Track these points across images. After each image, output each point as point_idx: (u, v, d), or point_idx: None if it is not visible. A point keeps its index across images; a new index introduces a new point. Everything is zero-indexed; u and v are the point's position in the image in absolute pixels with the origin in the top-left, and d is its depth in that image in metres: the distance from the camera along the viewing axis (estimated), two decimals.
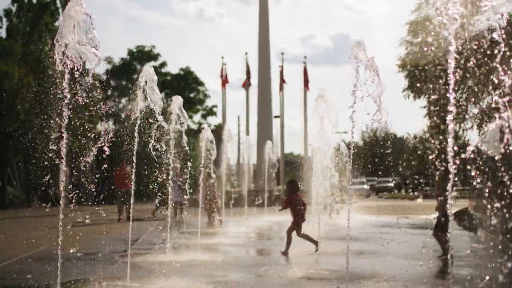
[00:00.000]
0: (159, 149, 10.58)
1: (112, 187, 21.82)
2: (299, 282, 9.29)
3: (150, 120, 10.12)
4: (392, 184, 60.51)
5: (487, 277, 9.41)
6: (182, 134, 12.96)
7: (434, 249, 11.97)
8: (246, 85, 44.07)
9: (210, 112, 60.85)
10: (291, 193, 13.16)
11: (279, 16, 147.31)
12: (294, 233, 12.60)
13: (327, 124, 13.50)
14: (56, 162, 7.11)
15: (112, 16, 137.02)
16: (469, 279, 9.35)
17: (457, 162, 4.48)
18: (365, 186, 53.34)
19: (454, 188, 4.80)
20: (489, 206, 15.71)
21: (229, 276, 10.07)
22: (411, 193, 48.85)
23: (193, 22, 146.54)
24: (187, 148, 13.27)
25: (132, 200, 10.55)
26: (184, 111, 13.08)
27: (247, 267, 11.25)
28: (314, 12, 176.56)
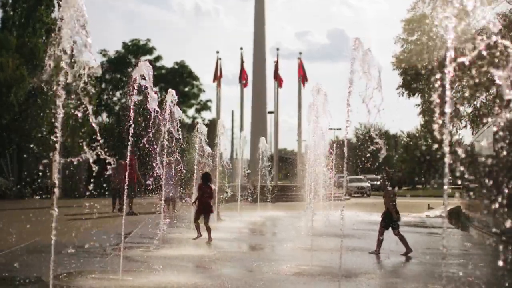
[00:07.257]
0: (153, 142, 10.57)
1: (114, 179, 21.25)
2: (292, 278, 9.31)
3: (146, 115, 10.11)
4: (379, 183, 58.43)
5: (478, 276, 9.47)
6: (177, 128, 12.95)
7: (425, 247, 12.03)
8: (244, 81, 43.96)
9: (204, 106, 60.76)
10: (201, 184, 13.99)
11: (276, 12, 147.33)
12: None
13: (321, 120, 13.49)
14: (50, 154, 7.07)
15: (109, 10, 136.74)
16: (460, 277, 9.40)
17: (449, 160, 4.50)
18: (367, 184, 49.82)
19: (447, 187, 4.82)
20: (481, 205, 15.81)
21: (221, 270, 10.09)
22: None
23: (190, 17, 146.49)
24: (182, 142, 13.33)
25: (125, 194, 10.57)
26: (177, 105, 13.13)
27: (240, 262, 11.27)
28: (311, 8, 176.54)
